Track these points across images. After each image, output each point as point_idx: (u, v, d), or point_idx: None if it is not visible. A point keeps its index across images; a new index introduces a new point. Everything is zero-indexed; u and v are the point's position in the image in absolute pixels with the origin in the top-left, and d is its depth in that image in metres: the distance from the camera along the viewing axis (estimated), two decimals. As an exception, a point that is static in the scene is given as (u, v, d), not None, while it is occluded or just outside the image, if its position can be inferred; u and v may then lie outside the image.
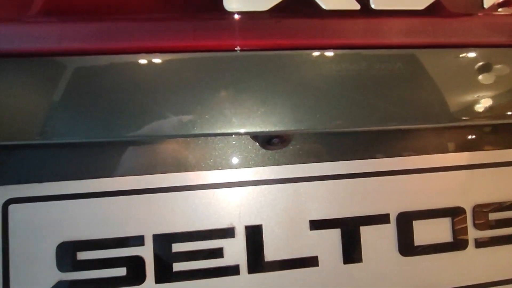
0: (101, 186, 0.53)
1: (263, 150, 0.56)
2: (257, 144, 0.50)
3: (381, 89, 0.41)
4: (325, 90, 0.41)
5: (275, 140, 0.46)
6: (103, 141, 0.54)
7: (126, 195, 0.53)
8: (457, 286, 0.57)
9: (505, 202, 0.59)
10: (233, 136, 0.54)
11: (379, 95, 0.41)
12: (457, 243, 0.57)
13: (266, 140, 0.47)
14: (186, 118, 0.43)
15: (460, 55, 0.48)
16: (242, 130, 0.40)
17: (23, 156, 0.53)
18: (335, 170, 0.56)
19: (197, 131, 0.40)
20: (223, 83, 0.42)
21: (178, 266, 0.53)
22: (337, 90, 0.41)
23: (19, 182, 0.52)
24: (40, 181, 0.53)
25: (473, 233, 0.58)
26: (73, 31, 0.46)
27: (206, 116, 0.40)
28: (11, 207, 0.52)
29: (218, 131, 0.40)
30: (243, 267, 0.54)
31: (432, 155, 0.58)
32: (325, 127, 0.41)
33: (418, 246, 0.57)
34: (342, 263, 0.55)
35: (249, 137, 0.52)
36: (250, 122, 0.40)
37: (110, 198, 0.53)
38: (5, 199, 0.52)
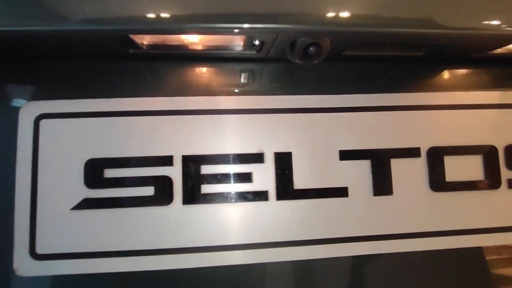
0: (132, 105, 0.53)
1: (296, 78, 0.56)
2: (293, 63, 0.49)
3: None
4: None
5: (312, 49, 0.46)
6: (135, 62, 0.54)
7: (156, 115, 0.53)
8: (489, 226, 0.56)
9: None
10: (267, 60, 0.54)
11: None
12: (490, 182, 0.56)
13: (303, 50, 0.46)
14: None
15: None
16: (282, 26, 0.40)
17: (55, 72, 0.53)
18: (366, 102, 0.55)
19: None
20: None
21: (206, 188, 0.52)
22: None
23: (50, 98, 0.53)
24: (71, 98, 0.53)
25: (506, 174, 0.57)
26: None
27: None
28: (42, 122, 0.52)
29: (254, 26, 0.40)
30: (272, 194, 0.53)
31: (465, 91, 0.58)
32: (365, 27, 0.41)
33: (449, 182, 0.55)
34: (372, 195, 0.54)
35: (283, 60, 0.52)
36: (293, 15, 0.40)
37: (140, 117, 0.53)
38: (36, 114, 0.52)
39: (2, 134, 0.52)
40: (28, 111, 0.52)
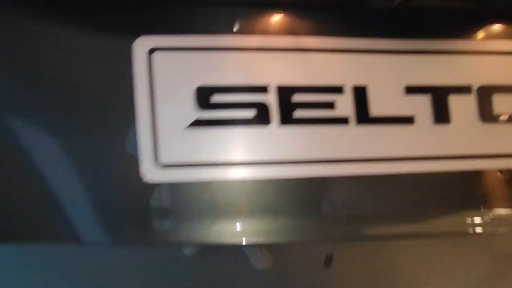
0: (233, 42, 0.61)
1: (372, 24, 0.65)
2: (370, 11, 0.58)
3: None
4: None
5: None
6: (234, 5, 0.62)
7: (253, 51, 0.61)
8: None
9: None
10: (348, 7, 0.63)
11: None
12: (529, 116, 0.67)
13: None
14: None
15: None
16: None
17: (168, 8, 0.61)
18: (429, 46, 0.65)
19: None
20: None
21: (297, 113, 0.61)
22: None
23: (163, 33, 0.60)
24: (181, 34, 0.60)
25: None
26: None
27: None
28: (155, 54, 0.60)
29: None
30: (352, 119, 0.62)
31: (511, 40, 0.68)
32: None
33: (496, 115, 0.66)
34: (433, 123, 0.64)
35: (363, 8, 0.60)
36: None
37: (239, 52, 0.61)
38: (149, 47, 0.60)
39: (119, 65, 0.59)
40: (141, 45, 0.60)
